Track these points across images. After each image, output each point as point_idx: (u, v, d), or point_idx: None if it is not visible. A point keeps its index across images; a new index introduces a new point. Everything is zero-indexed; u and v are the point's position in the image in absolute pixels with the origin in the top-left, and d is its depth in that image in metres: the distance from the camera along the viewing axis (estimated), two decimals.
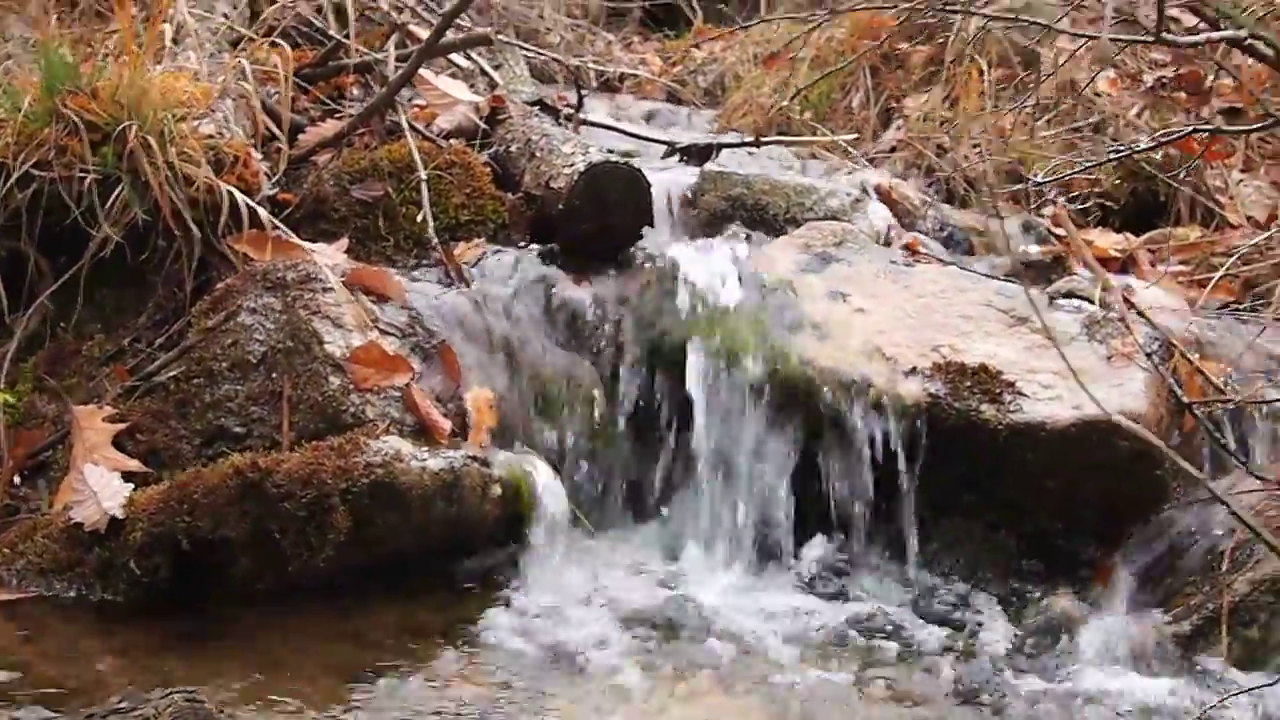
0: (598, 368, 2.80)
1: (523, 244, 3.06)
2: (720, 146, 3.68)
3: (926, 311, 2.93)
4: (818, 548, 2.74)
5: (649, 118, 5.15)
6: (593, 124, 3.92)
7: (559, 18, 5.89)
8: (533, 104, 3.74)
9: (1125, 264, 3.71)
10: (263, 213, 2.78)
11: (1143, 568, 2.66)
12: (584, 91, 3.89)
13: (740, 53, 5.44)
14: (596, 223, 2.96)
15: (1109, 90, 4.25)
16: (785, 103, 4.79)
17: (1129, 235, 3.95)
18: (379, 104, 3.19)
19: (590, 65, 5.68)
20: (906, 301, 2.96)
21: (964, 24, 4.47)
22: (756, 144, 3.67)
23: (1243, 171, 4.11)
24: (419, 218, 2.92)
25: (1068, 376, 2.75)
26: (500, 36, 3.75)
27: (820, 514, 2.75)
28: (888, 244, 3.41)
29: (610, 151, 3.04)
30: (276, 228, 2.78)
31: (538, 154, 3.17)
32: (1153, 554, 2.67)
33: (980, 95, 4.33)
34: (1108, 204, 4.02)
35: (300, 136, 3.22)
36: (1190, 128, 3.86)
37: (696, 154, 3.74)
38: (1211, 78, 4.32)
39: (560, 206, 2.98)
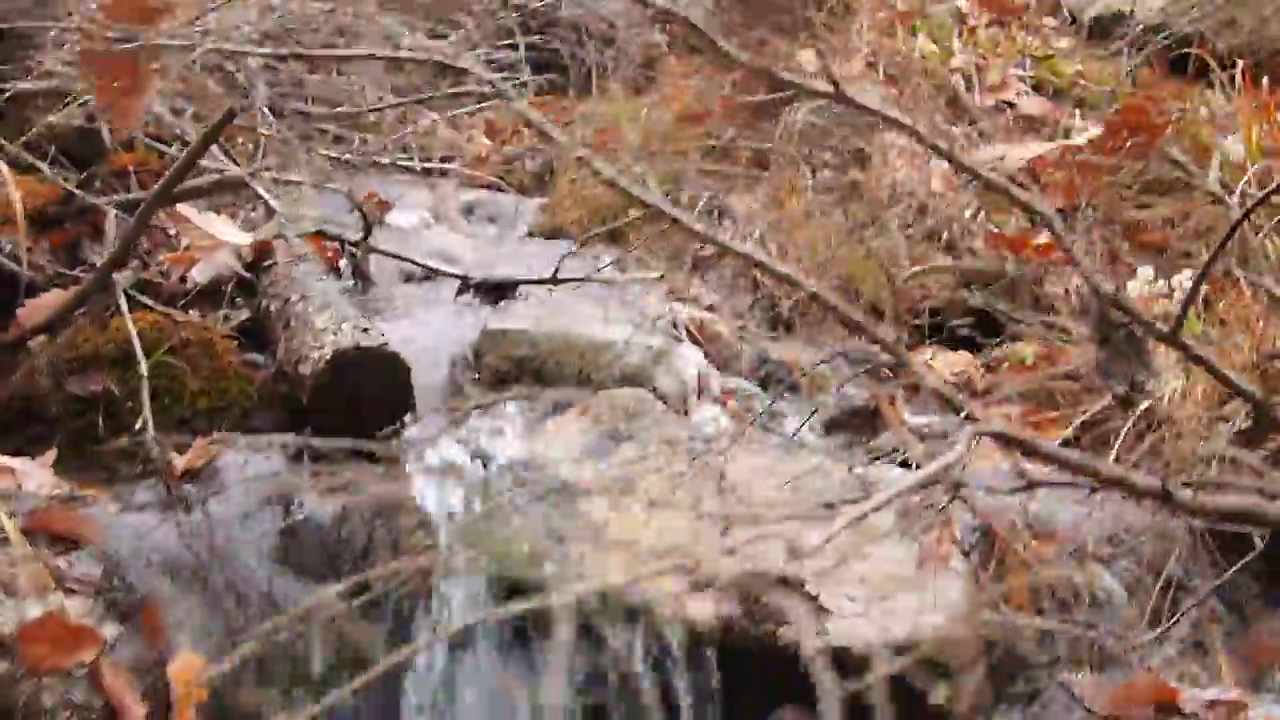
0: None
1: (272, 434, 2.63)
2: (516, 284, 3.29)
3: (726, 501, 2.55)
4: None
5: (470, 210, 4.73)
6: (383, 252, 3.50)
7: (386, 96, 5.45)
8: (313, 236, 3.32)
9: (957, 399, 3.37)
10: None
11: None
12: (372, 221, 3.45)
13: (570, 133, 5.04)
14: (348, 415, 2.54)
15: (943, 190, 3.92)
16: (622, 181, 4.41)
17: (969, 354, 3.62)
18: (106, 270, 2.73)
19: (406, 152, 5.26)
20: (704, 489, 2.58)
21: (791, 114, 4.11)
22: (554, 282, 3.26)
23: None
24: (138, 423, 2.47)
25: (879, 585, 2.40)
26: (270, 173, 3.30)
27: None
28: (699, 394, 3.05)
29: (366, 328, 2.62)
30: None
31: (292, 322, 2.74)
32: None
33: (806, 196, 3.98)
34: (944, 318, 3.70)
35: (19, 310, 2.76)
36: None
37: (490, 290, 3.35)
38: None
39: (305, 399, 2.56)
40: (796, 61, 4.22)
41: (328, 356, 2.52)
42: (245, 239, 3.17)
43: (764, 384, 3.22)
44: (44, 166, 3.14)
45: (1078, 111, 4.23)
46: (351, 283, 3.47)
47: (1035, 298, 3.70)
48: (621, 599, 2.33)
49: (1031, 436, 1.14)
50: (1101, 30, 5.52)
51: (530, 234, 4.54)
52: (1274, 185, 1.71)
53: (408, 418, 2.59)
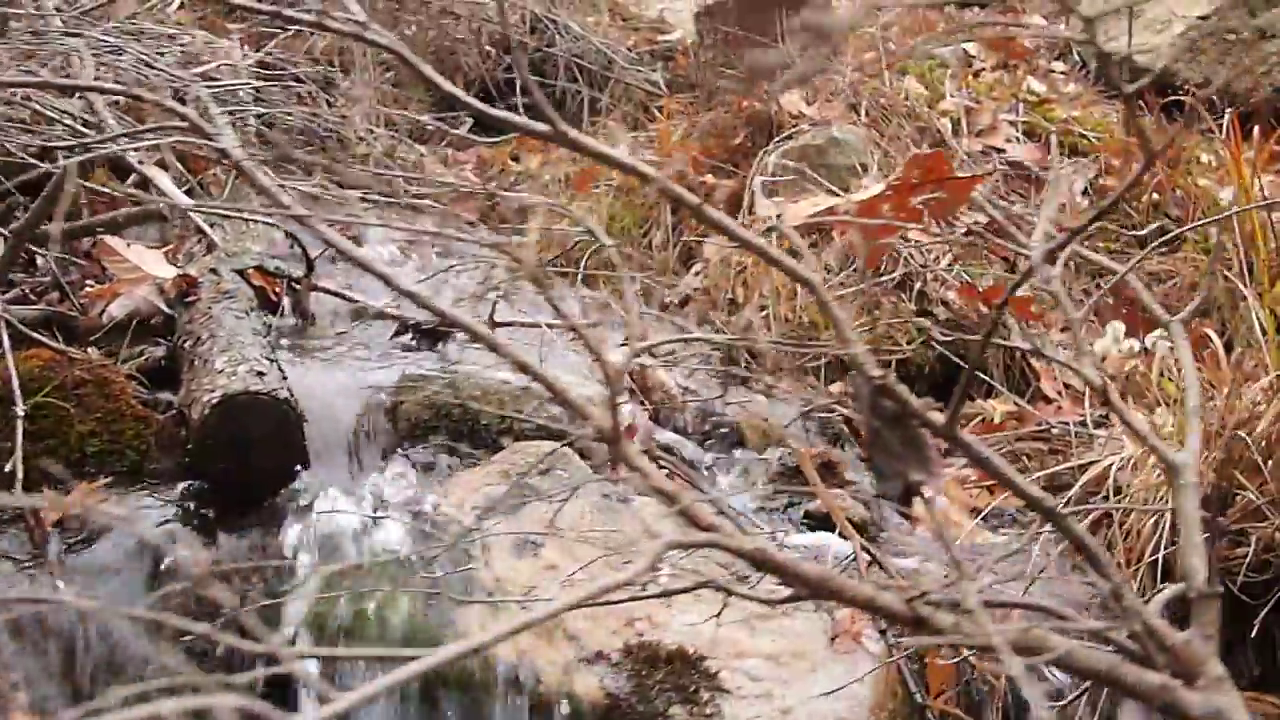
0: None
1: (164, 480, 2.49)
2: (452, 328, 3.13)
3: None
4: None
5: (444, 251, 4.60)
6: (323, 289, 3.37)
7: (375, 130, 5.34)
8: (248, 270, 3.18)
9: None
10: None
11: None
12: (314, 257, 3.31)
13: (555, 170, 4.90)
14: (236, 462, 2.40)
15: (919, 237, 3.73)
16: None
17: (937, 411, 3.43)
18: None
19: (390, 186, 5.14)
20: (613, 550, 2.40)
21: (766, 156, 3.95)
22: (491, 325, 3.11)
23: (1063, 330, 3.59)
24: (6, 467, 2.33)
25: (785, 662, 2.21)
26: (213, 203, 3.17)
27: None
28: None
29: (262, 371, 2.46)
30: None
31: (195, 363, 2.60)
32: None
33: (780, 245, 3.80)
34: (914, 371, 3.50)
35: None
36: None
37: (428, 332, 3.20)
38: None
39: (191, 444, 2.42)
40: (780, 101, 4.07)
41: (215, 400, 2.37)
42: (170, 272, 3.04)
43: (705, 439, 3.05)
44: None
45: (1066, 158, 4.03)
46: (292, 320, 3.33)
47: (1009, 352, 3.51)
48: (501, 668, 2.17)
49: (775, 554, 0.96)
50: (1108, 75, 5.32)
51: (508, 269, 4.40)
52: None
53: (298, 468, 2.43)
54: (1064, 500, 2.68)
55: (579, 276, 4.20)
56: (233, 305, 2.88)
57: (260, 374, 2.45)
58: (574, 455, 2.60)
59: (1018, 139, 4.12)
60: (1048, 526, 2.75)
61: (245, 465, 2.39)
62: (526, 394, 2.74)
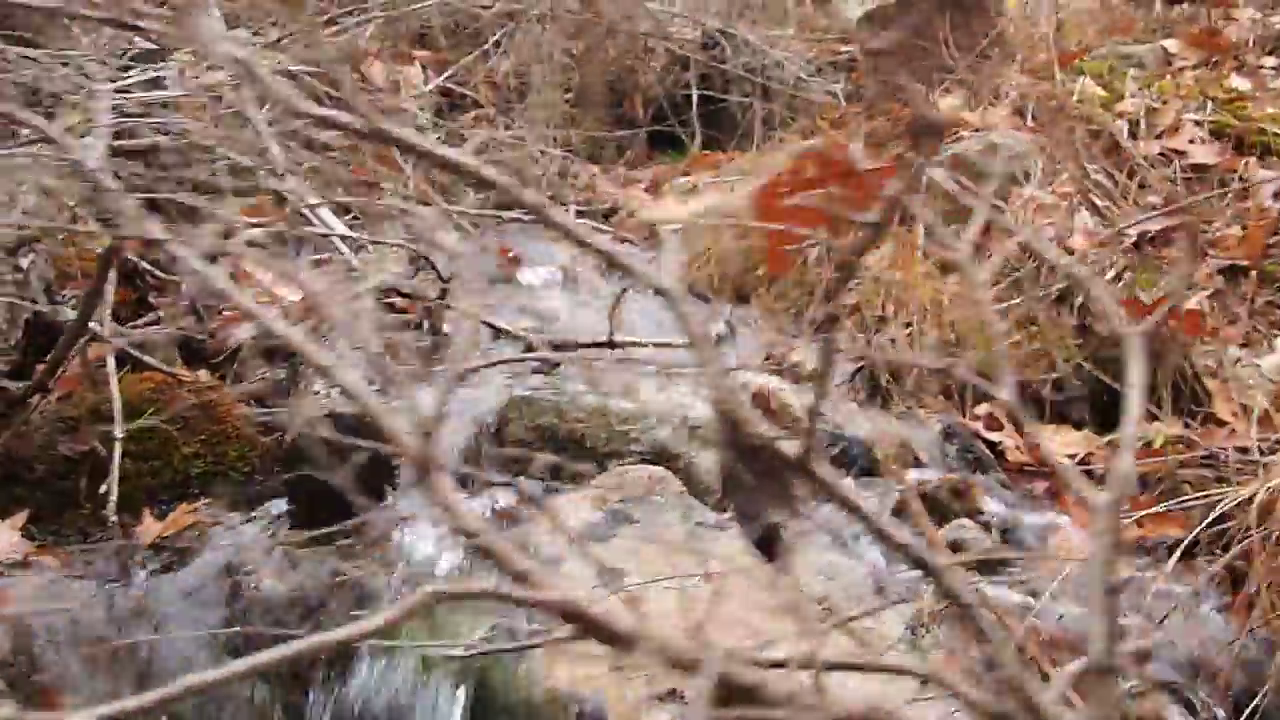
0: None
1: (263, 502, 2.49)
2: (577, 346, 3.07)
3: (719, 602, 2.24)
4: None
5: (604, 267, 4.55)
6: (453, 308, 3.34)
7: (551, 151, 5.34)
8: (384, 292, 3.20)
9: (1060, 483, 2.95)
10: None
11: None
12: (446, 283, 3.30)
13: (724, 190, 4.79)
14: (326, 483, 2.37)
15: (1084, 245, 3.48)
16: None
17: (1091, 433, 3.17)
18: (80, 320, 2.57)
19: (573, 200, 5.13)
20: (698, 585, 2.28)
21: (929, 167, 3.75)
22: (609, 345, 3.03)
23: (1243, 346, 3.29)
24: (102, 487, 2.37)
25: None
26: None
27: None
28: None
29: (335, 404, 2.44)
30: None
31: (302, 384, 2.61)
32: None
33: (922, 256, 3.61)
34: (1069, 394, 3.25)
35: None
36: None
37: (549, 360, 3.13)
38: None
39: (285, 464, 2.42)
40: (939, 106, 3.87)
41: (304, 421, 2.36)
42: (299, 295, 3.06)
43: (835, 464, 2.89)
44: None
45: (1252, 160, 3.71)
46: (428, 340, 3.33)
47: (1180, 372, 3.23)
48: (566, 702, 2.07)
49: (590, 609, 0.84)
50: None
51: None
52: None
53: (387, 490, 2.40)
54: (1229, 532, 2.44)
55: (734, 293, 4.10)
56: (358, 325, 2.87)
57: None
58: (674, 481, 2.49)
59: (1202, 139, 3.81)
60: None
61: (335, 486, 2.36)
62: (635, 417, 2.65)
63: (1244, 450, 2.96)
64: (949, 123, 3.84)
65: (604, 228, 5.09)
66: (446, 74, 5.63)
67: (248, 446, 2.54)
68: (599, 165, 5.60)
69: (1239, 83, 4.83)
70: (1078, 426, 3.17)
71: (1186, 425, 3.14)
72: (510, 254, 4.40)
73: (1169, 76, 5.02)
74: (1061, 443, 3.13)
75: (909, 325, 3.30)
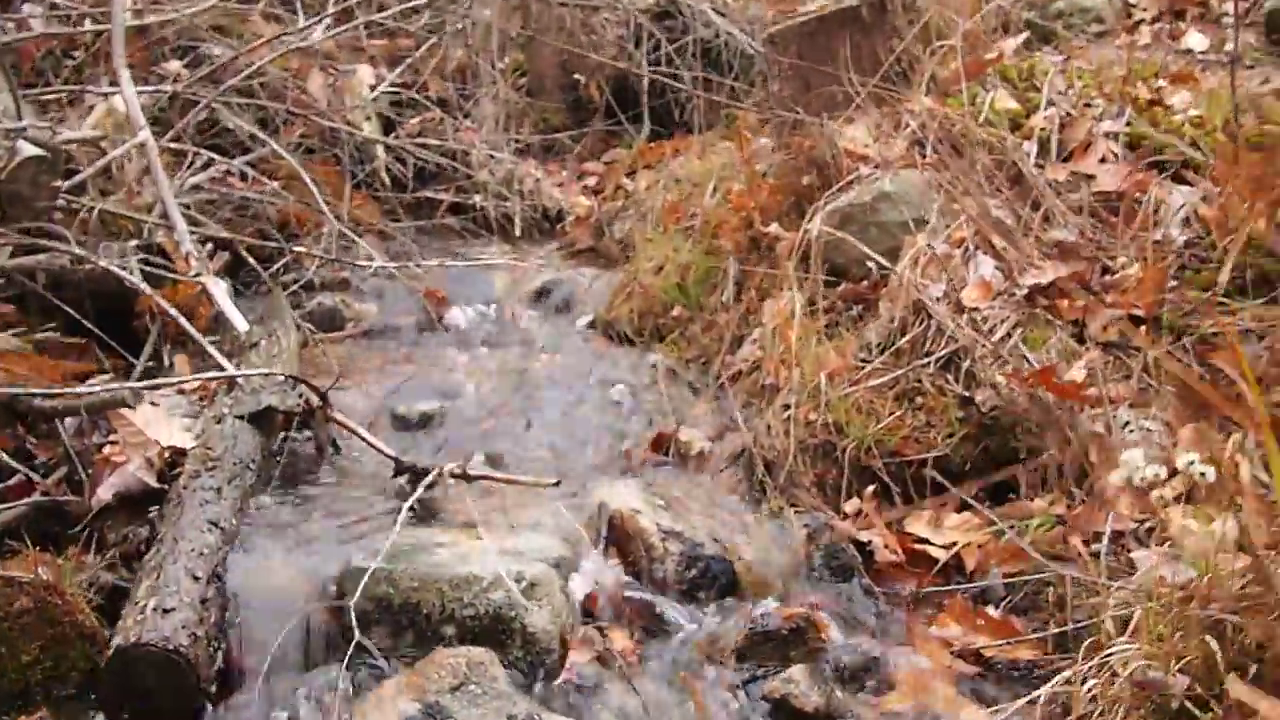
0: None
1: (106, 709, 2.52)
2: (441, 474, 3.03)
3: None
4: None
5: (541, 295, 4.49)
6: (338, 422, 3.31)
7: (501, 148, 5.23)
8: (257, 415, 3.17)
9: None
10: None
11: None
12: (325, 389, 3.27)
13: (657, 196, 4.66)
14: (140, 703, 2.41)
15: (979, 299, 3.32)
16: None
17: (973, 516, 3.07)
18: None
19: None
20: None
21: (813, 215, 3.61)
22: (466, 478, 3.00)
23: (1134, 406, 3.13)
24: None
25: None
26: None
27: None
28: (591, 617, 2.73)
29: (170, 608, 2.44)
30: None
31: (139, 579, 2.62)
32: None
33: (828, 314, 3.48)
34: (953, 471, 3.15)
35: None
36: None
37: (419, 475, 3.10)
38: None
39: (101, 684, 2.44)
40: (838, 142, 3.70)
41: (111, 651, 2.39)
42: (178, 438, 3.05)
43: (690, 592, 2.85)
44: None
45: (1165, 180, 3.50)
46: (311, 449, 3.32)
47: (1065, 439, 3.11)
48: None
49: None
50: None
51: (592, 324, 4.26)
52: None
53: (201, 707, 2.42)
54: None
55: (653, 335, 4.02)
56: (210, 481, 2.88)
57: (167, 612, 2.44)
58: (494, 665, 2.48)
59: (1115, 155, 3.60)
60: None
61: (149, 707, 2.40)
62: (468, 582, 2.63)
63: (1119, 535, 2.87)
64: (850, 157, 3.68)
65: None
66: (397, 69, 5.51)
67: (90, 643, 2.56)
68: (555, 154, 5.48)
69: (1196, 39, 4.56)
70: (963, 505, 3.07)
71: (1070, 502, 3.04)
72: (439, 295, 4.36)
73: (1124, 34, 4.74)
74: (942, 529, 3.05)
75: (786, 408, 3.20)
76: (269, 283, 4.11)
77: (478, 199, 5.04)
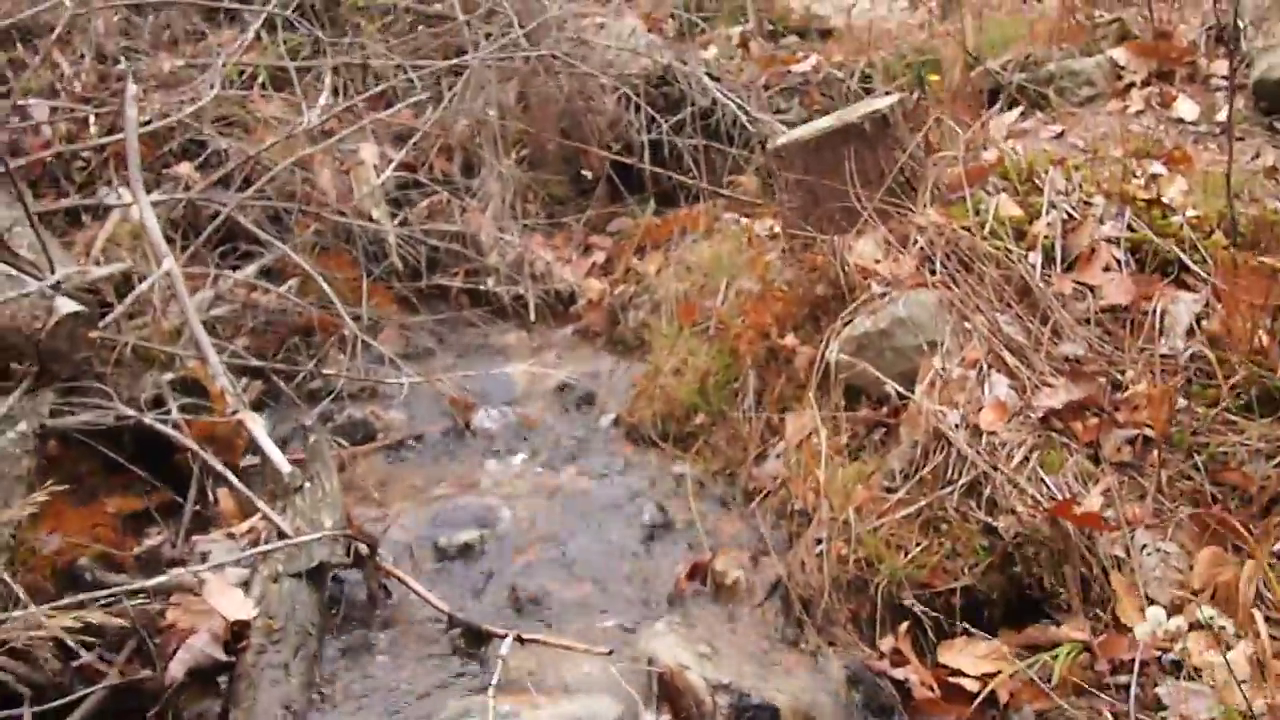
0: None
1: None
2: (497, 637, 3.16)
3: None
4: None
5: (561, 390, 4.60)
6: (391, 572, 3.44)
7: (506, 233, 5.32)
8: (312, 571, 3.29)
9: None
10: None
11: None
12: (376, 537, 3.40)
13: (668, 283, 4.76)
14: None
15: (995, 422, 3.45)
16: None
17: (1000, 645, 3.21)
18: None
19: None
20: None
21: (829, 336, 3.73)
22: (521, 642, 3.13)
23: (1150, 527, 3.27)
24: None
25: None
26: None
27: None
28: None
29: None
30: None
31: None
32: None
33: (850, 436, 3.62)
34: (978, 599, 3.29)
35: None
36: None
37: (471, 632, 3.24)
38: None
39: None
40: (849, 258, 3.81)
41: None
42: (238, 611, 3.16)
43: None
44: None
45: (1167, 287, 3.62)
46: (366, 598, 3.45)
47: (1086, 564, 3.25)
48: None
49: None
50: (1271, 98, 4.69)
51: (616, 421, 4.38)
52: None
53: None
54: None
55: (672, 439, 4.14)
56: (278, 657, 3.02)
57: None
58: None
59: (1118, 262, 3.72)
60: None
61: None
62: None
63: (1145, 665, 3.01)
64: (861, 273, 3.80)
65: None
66: (403, 149, 5.58)
67: None
68: (559, 226, 5.57)
69: (1186, 109, 4.67)
70: (991, 632, 3.21)
71: (1095, 624, 3.18)
72: (466, 403, 4.47)
73: (1114, 98, 4.85)
74: (972, 658, 3.19)
75: (819, 542, 3.34)
76: (306, 421, 4.23)
77: (490, 283, 5.14)
